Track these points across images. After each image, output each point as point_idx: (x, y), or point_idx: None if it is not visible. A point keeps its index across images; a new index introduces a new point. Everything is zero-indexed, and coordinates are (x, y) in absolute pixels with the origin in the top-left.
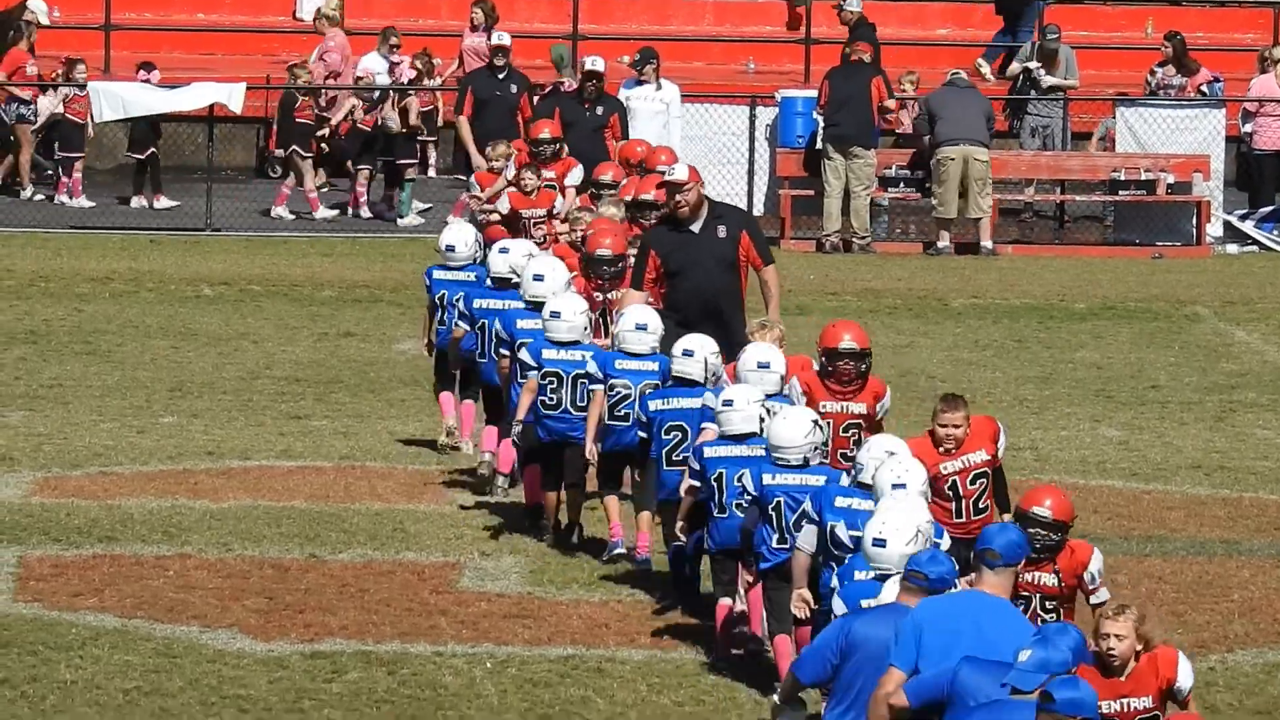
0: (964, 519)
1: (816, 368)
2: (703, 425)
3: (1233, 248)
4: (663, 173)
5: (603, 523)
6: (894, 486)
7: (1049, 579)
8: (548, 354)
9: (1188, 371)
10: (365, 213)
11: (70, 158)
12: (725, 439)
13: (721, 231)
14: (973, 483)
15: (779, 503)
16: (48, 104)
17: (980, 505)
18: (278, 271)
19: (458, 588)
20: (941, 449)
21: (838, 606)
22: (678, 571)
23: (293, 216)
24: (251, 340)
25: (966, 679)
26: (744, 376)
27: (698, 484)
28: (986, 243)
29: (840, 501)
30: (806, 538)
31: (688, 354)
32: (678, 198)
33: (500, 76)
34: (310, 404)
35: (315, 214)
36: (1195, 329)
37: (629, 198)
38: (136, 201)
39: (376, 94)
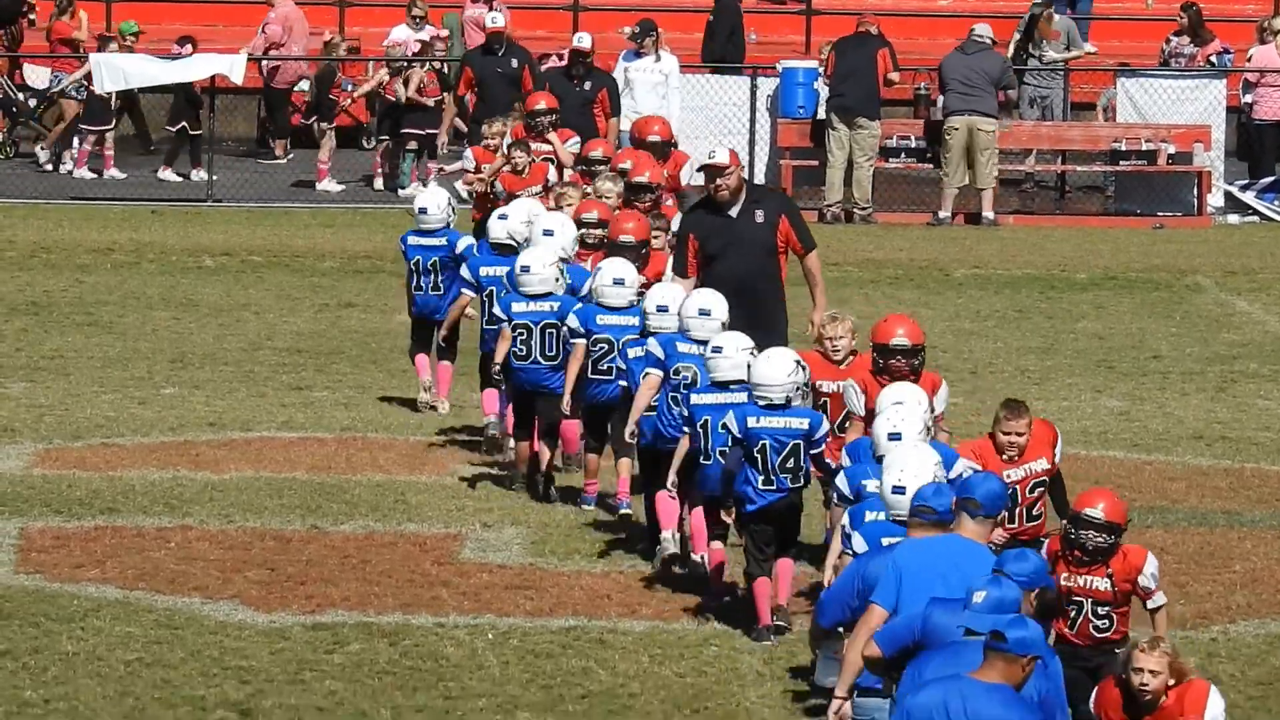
0: (1017, 524)
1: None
2: (646, 371)
3: (1234, 218)
4: (655, 143)
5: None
6: (890, 437)
7: (1101, 583)
8: (517, 306)
9: (1189, 342)
10: (378, 184)
11: (93, 130)
12: (712, 386)
13: (759, 216)
14: (1031, 490)
15: (764, 445)
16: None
17: (1034, 512)
18: (279, 242)
19: (459, 559)
20: (1004, 456)
21: (858, 545)
22: (652, 519)
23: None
24: (253, 311)
25: (938, 621)
26: (685, 324)
27: (689, 430)
28: (988, 213)
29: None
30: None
31: (661, 310)
32: (718, 181)
33: (499, 53)
34: (312, 375)
35: (319, 185)
36: (1196, 299)
37: (620, 171)
38: (196, 174)
39: (401, 66)
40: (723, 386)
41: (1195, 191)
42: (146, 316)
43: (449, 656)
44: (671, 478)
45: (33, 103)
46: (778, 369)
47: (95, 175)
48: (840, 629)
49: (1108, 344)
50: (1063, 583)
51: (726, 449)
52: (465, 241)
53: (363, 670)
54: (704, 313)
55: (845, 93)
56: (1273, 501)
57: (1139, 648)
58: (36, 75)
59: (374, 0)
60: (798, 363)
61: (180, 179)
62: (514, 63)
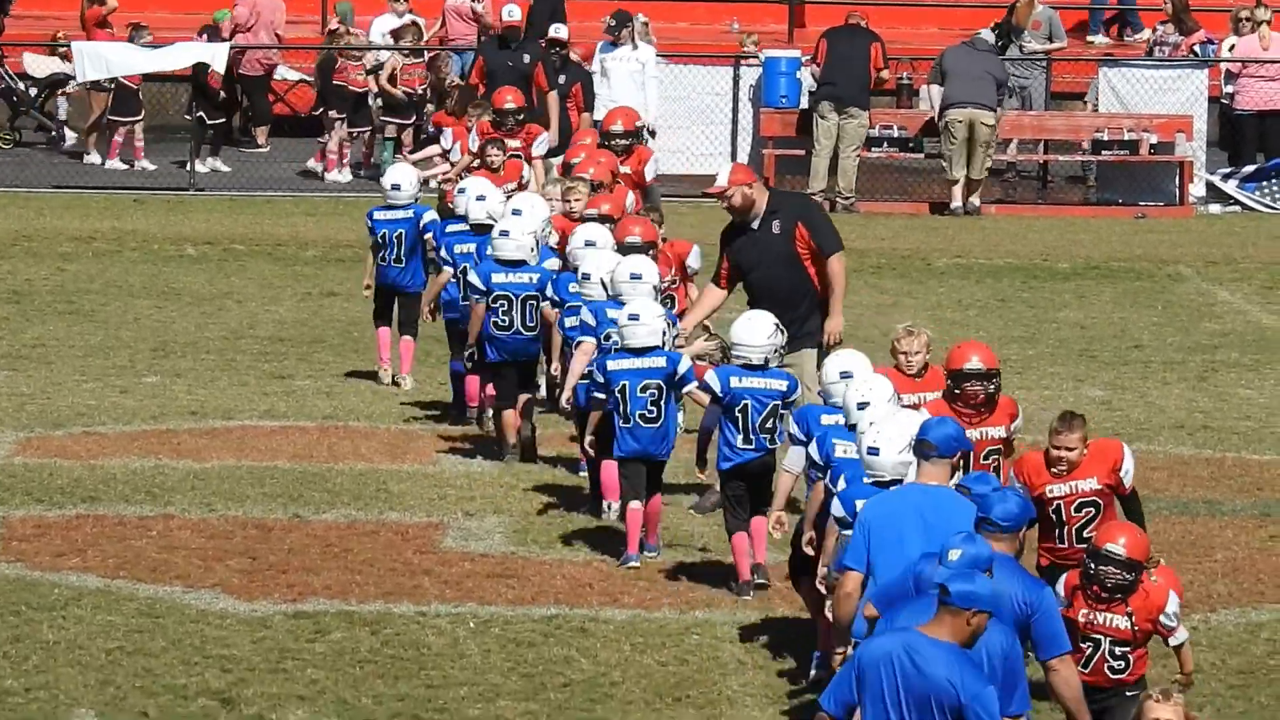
0: (1066, 545)
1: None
2: (579, 340)
3: (1215, 208)
4: (617, 132)
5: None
6: (859, 406)
7: (1121, 621)
8: (497, 277)
9: (1170, 331)
10: (344, 175)
11: (123, 121)
12: (628, 352)
13: (776, 226)
14: (1077, 510)
15: (746, 405)
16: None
17: (1085, 534)
18: (261, 231)
19: (441, 548)
20: (1053, 470)
21: (836, 509)
22: (594, 479)
23: (349, 179)
24: (235, 300)
25: (928, 574)
26: (617, 288)
27: (603, 396)
28: (974, 200)
29: (826, 420)
30: (794, 459)
31: (585, 277)
32: (722, 204)
33: (512, 46)
34: (294, 364)
35: (328, 174)
36: (1178, 289)
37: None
38: (201, 165)
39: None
40: (638, 352)
41: (1177, 181)
42: (128, 305)
43: (431, 645)
44: (588, 438)
45: (33, 92)
46: (758, 331)
47: (127, 166)
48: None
49: (1089, 333)
50: (1080, 619)
51: (645, 413)
52: (430, 216)
53: (344, 659)
54: (635, 277)
55: (837, 82)
56: (1253, 491)
57: (1153, 698)
58: (37, 64)
59: None
60: (777, 325)
61: (228, 169)
62: (526, 58)
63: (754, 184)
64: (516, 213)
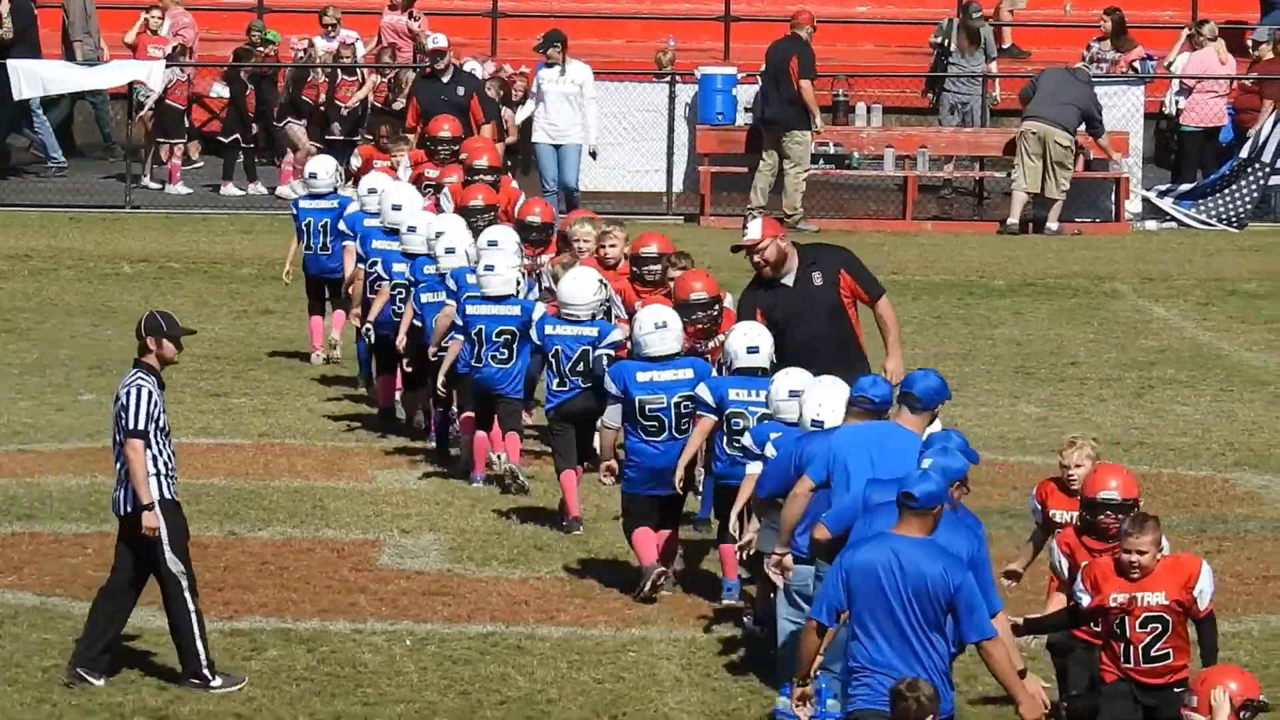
0: (1132, 664)
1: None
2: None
3: (1152, 224)
4: (482, 168)
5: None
6: (748, 351)
7: None
8: (398, 267)
9: (1107, 348)
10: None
11: (169, 143)
12: (486, 299)
13: (818, 278)
14: (1143, 626)
15: (557, 351)
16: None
17: (1156, 654)
18: (197, 249)
19: (377, 565)
20: (1127, 576)
21: (746, 440)
22: (440, 431)
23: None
24: None
25: (875, 499)
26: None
27: (461, 338)
28: (1051, 224)
29: (641, 376)
30: (612, 415)
31: (450, 251)
32: (755, 259)
33: (445, 80)
34: (229, 381)
35: (279, 189)
36: (1114, 305)
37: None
38: (253, 188)
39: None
40: (496, 300)
41: (1114, 198)
42: (64, 323)
43: (367, 663)
44: (441, 379)
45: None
46: (584, 289)
47: (159, 186)
48: (779, 501)
49: (1025, 350)
50: None
51: (496, 354)
52: (354, 207)
53: (280, 677)
54: (449, 251)
55: (767, 101)
56: (1189, 506)
57: None
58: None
59: (291, 6)
60: (601, 282)
61: (241, 193)
62: (460, 90)
63: (784, 236)
64: (396, 208)
